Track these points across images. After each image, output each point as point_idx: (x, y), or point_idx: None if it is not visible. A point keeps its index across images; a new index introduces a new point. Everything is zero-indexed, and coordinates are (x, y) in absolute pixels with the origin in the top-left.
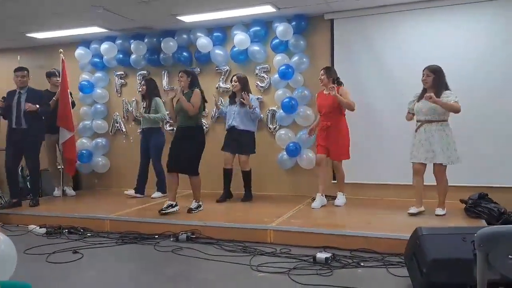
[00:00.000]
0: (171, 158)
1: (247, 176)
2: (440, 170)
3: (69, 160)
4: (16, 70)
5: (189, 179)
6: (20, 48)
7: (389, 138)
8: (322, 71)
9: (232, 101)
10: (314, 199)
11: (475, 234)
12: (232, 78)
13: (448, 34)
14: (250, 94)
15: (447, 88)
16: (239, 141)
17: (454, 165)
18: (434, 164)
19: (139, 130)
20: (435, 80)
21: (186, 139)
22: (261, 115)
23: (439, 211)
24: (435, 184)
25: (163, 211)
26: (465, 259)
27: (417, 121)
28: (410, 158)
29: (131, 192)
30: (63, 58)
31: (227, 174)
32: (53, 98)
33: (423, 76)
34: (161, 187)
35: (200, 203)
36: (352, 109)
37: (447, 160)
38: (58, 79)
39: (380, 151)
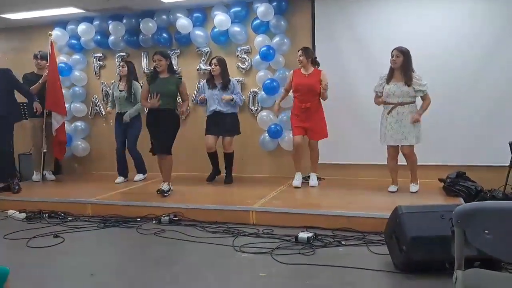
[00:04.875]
0: (157, 141)
1: (230, 158)
2: (410, 150)
3: (62, 143)
4: None
5: (162, 160)
6: None
7: (368, 119)
8: (300, 52)
9: (212, 84)
10: None
11: (453, 211)
12: (211, 61)
13: (428, 16)
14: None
15: (413, 70)
16: (225, 123)
17: (434, 144)
18: (403, 145)
19: (113, 110)
20: (404, 61)
21: (167, 121)
22: (243, 97)
23: (413, 187)
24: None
25: (166, 194)
26: (444, 236)
27: (388, 103)
28: (382, 140)
29: (121, 179)
30: (52, 41)
31: (213, 157)
32: (39, 81)
33: (392, 57)
34: (142, 169)
35: (171, 186)
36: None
37: (416, 140)
38: (39, 62)
39: (360, 132)
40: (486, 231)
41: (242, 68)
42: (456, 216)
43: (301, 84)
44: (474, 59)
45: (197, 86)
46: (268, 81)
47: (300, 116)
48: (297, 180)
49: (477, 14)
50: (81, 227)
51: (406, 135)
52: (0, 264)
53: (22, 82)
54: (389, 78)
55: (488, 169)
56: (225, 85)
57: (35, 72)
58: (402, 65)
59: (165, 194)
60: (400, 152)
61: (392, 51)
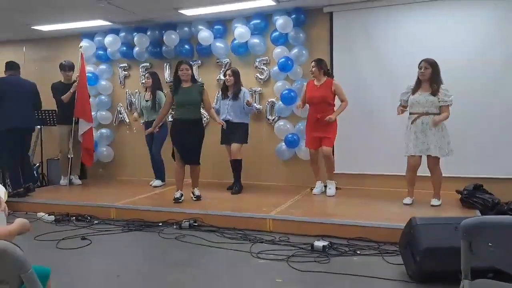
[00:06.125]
0: (186, 151)
1: (237, 164)
2: (434, 162)
3: (88, 150)
4: None
5: (193, 169)
6: (26, 40)
7: (385, 130)
8: (313, 63)
9: (225, 94)
10: (313, 188)
11: (460, 224)
12: (226, 72)
13: (447, 28)
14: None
15: (441, 82)
16: (233, 132)
17: (452, 156)
18: (428, 156)
19: (142, 122)
20: (433, 73)
21: (196, 131)
22: (258, 106)
23: (435, 201)
24: (429, 175)
25: (180, 201)
26: (457, 248)
27: (412, 113)
28: (405, 151)
29: (158, 182)
30: (82, 53)
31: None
32: (70, 90)
33: (420, 69)
34: (160, 176)
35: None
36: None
37: (441, 152)
38: (68, 73)
39: (376, 142)
40: (490, 244)
41: (260, 79)
42: (462, 229)
43: (313, 97)
44: (493, 70)
45: (216, 96)
46: (286, 91)
47: (314, 125)
48: (317, 188)
49: (495, 25)
50: (106, 230)
51: (431, 146)
52: (32, 264)
53: (51, 90)
54: (416, 89)
55: (506, 182)
56: (236, 95)
57: (62, 81)
58: (430, 77)
59: (201, 198)
60: (421, 165)
61: (420, 63)
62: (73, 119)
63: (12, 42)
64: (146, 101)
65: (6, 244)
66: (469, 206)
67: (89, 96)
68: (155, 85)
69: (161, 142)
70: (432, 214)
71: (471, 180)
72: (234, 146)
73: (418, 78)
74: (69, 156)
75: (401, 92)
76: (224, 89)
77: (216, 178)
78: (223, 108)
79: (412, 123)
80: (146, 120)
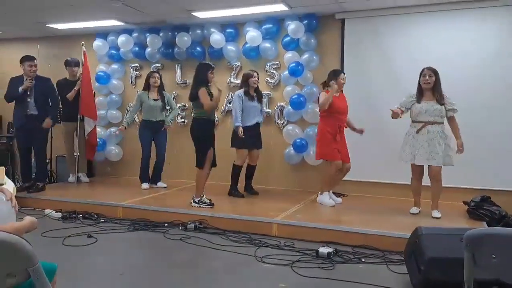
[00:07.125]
0: (214, 154)
1: (254, 170)
2: (439, 171)
3: (93, 146)
4: (27, 60)
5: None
6: (40, 37)
7: (394, 138)
8: (344, 75)
9: (251, 97)
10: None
11: (464, 235)
12: (253, 74)
13: (456, 37)
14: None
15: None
16: (258, 136)
17: (460, 167)
18: (432, 165)
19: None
20: (437, 81)
21: (214, 131)
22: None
23: (436, 213)
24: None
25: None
26: (462, 259)
27: (418, 122)
28: (407, 159)
29: (147, 185)
30: (85, 50)
31: (240, 172)
32: (74, 88)
33: (425, 76)
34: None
35: None
36: None
37: (445, 161)
38: (74, 68)
39: (385, 150)
40: (493, 256)
41: (270, 83)
42: (466, 240)
43: (342, 107)
44: (503, 79)
45: (227, 99)
46: (296, 96)
47: (336, 136)
48: (332, 199)
49: (503, 35)
50: (112, 229)
51: (434, 155)
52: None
53: (56, 88)
54: (419, 97)
55: None
56: (260, 97)
57: (67, 78)
58: (434, 85)
59: None
60: (424, 174)
61: (424, 71)
62: (79, 116)
63: (26, 39)
64: (155, 100)
65: (15, 238)
66: (476, 217)
67: (94, 94)
68: (162, 85)
69: (166, 142)
70: (438, 224)
71: (479, 192)
72: (257, 153)
73: (420, 86)
74: (75, 154)
75: (404, 99)
76: (248, 91)
77: (223, 180)
78: (252, 111)
79: (417, 132)
80: (154, 119)
